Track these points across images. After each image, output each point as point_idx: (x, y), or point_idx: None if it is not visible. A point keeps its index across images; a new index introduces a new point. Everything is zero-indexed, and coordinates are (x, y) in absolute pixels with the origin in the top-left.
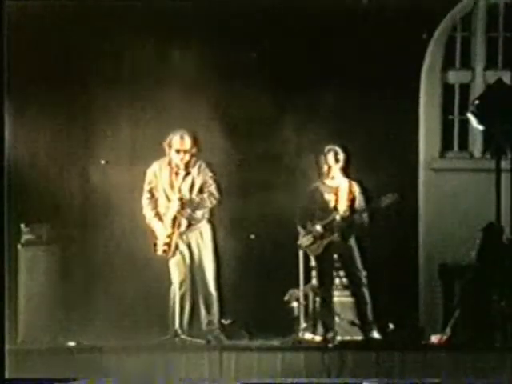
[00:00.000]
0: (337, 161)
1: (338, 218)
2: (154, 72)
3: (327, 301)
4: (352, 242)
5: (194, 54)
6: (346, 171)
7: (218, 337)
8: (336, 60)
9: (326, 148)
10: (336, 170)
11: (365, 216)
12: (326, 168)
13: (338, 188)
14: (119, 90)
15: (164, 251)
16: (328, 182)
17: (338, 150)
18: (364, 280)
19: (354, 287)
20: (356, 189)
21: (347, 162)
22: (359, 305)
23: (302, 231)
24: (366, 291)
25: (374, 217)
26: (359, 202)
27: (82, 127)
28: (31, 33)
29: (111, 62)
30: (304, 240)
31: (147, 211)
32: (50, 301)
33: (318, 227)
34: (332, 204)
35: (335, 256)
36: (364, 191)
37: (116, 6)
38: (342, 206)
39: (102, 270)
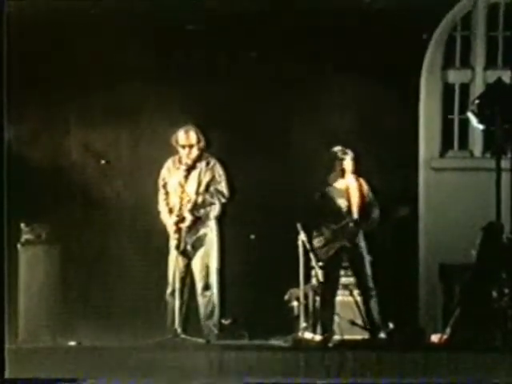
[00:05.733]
0: (345, 161)
1: (351, 223)
2: (154, 71)
3: (329, 300)
4: (362, 244)
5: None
6: (355, 171)
7: (218, 335)
8: (336, 60)
9: (334, 149)
10: (345, 171)
11: (376, 214)
12: (336, 170)
13: (349, 190)
14: (119, 89)
15: (176, 247)
16: (337, 184)
17: (347, 150)
18: (371, 283)
19: (361, 289)
20: (365, 187)
21: (356, 161)
22: (367, 306)
23: (315, 233)
24: (373, 293)
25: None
26: (370, 199)
27: (81, 127)
28: (31, 33)
29: (112, 61)
30: (315, 242)
31: (162, 207)
32: (50, 300)
33: (330, 230)
34: (345, 208)
35: (344, 258)
36: (372, 188)
37: (116, 5)
38: (355, 211)
39: (102, 270)
